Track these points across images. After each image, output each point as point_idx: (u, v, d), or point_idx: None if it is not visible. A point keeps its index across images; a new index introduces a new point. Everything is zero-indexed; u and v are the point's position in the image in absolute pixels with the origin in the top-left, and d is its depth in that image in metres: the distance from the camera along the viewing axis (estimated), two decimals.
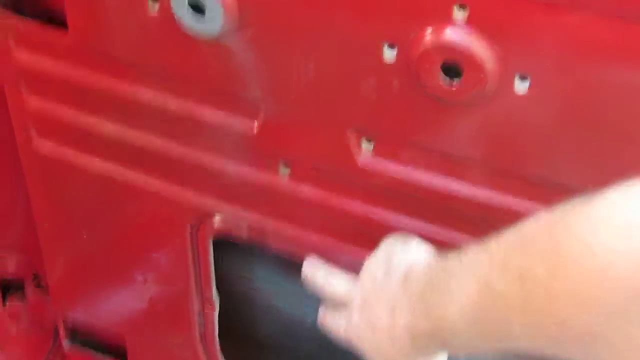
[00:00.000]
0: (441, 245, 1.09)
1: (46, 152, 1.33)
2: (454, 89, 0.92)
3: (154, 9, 1.05)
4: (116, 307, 1.55)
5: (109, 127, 1.23)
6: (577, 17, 0.84)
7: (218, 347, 1.50)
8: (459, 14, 0.88)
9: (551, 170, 0.97)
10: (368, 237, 1.15)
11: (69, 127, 1.28)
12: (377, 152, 1.05)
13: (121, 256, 1.45)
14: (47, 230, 1.47)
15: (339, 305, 1.00)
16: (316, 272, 1.06)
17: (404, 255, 0.92)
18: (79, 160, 1.31)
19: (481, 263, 0.73)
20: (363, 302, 0.92)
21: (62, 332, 1.65)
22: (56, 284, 1.57)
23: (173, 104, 1.14)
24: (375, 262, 0.95)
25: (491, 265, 0.71)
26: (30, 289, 1.67)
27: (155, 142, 1.21)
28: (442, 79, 0.92)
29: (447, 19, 0.89)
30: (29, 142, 1.33)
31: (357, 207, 1.12)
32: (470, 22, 0.88)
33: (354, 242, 1.17)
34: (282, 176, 1.14)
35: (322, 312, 1.06)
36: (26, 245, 1.58)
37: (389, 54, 0.94)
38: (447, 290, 0.76)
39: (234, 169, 1.18)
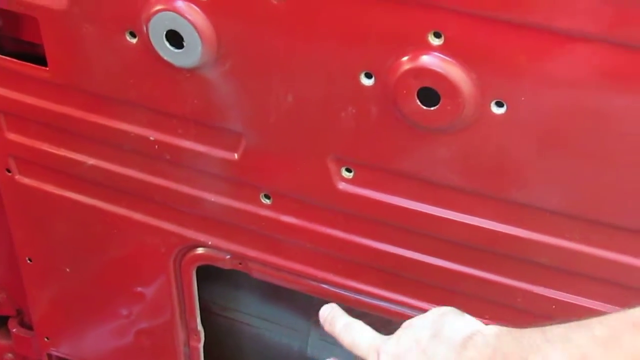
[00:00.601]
0: (426, 271, 1.10)
1: (27, 187, 1.33)
2: (431, 115, 0.93)
3: (132, 42, 1.05)
4: (101, 341, 1.54)
5: (90, 162, 1.24)
6: (553, 43, 0.85)
7: None
8: (434, 41, 0.89)
9: (529, 193, 0.97)
10: (350, 265, 1.16)
11: (49, 163, 1.28)
12: (357, 180, 1.06)
13: (105, 290, 1.45)
14: (30, 266, 1.46)
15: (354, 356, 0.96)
16: (335, 318, 1.00)
17: (461, 323, 0.88)
18: (60, 195, 1.32)
19: (577, 339, 0.72)
20: (394, 359, 0.89)
21: None
22: (40, 320, 1.56)
23: (153, 137, 1.15)
24: (422, 324, 0.91)
25: (594, 342, 0.71)
26: (14, 325, 1.66)
27: (136, 175, 1.21)
28: (419, 105, 0.93)
29: (423, 46, 0.90)
30: (9, 177, 1.33)
31: (338, 235, 1.13)
32: (446, 48, 0.89)
33: (336, 270, 1.17)
34: (264, 205, 1.15)
35: None
36: (9, 281, 1.57)
37: (367, 82, 0.95)
38: None
39: (216, 199, 1.18)
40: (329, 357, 1.04)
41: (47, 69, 1.15)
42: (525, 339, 0.76)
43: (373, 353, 0.91)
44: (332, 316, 1.00)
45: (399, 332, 0.91)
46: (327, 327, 1.00)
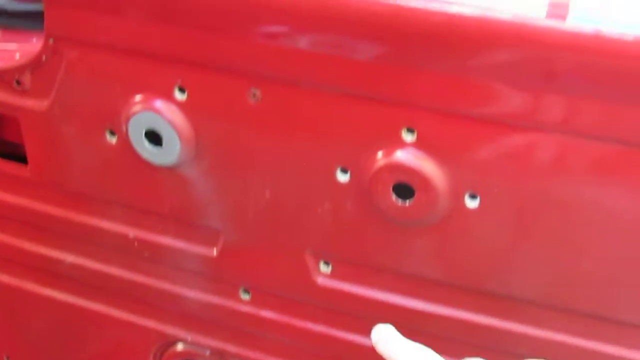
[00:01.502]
0: None
1: (4, 285, 1.33)
2: (407, 209, 0.94)
3: (112, 141, 1.07)
4: None
5: (69, 259, 1.24)
6: (523, 137, 0.87)
7: None
8: (408, 137, 0.92)
9: (506, 284, 0.98)
10: (331, 358, 1.15)
11: (27, 261, 1.28)
12: (335, 274, 1.07)
13: None
14: None
15: None
16: (393, 339, 0.88)
17: None
18: (38, 293, 1.31)
19: None
20: None
21: None
22: None
23: (132, 233, 1.15)
24: None
25: None
26: None
27: (115, 272, 1.21)
28: (394, 200, 0.94)
29: (397, 142, 0.92)
30: None
31: (318, 329, 1.12)
32: (419, 144, 0.91)
33: None
34: (243, 301, 1.15)
35: None
36: None
37: (343, 178, 0.97)
38: None
39: (195, 295, 1.18)
40: None
41: (28, 167, 1.16)
42: None
43: None
44: (389, 336, 0.88)
45: None
46: (380, 348, 0.88)
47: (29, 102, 1.10)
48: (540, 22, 0.81)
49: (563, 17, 0.81)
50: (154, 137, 1.02)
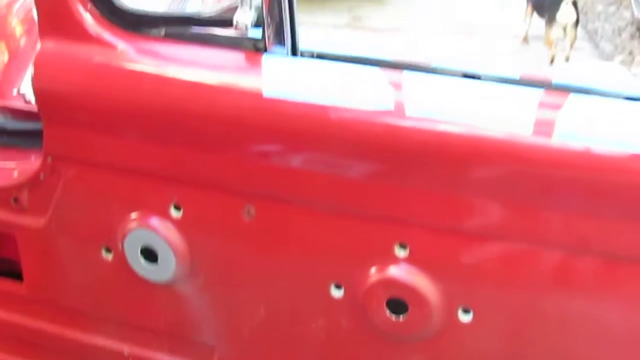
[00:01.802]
0: None
1: None
2: (400, 324, 0.94)
3: (108, 258, 1.08)
4: None
5: None
6: (514, 251, 0.88)
7: None
8: (400, 252, 0.92)
9: None
10: None
11: None
12: None
13: None
14: None
15: None
16: None
17: None
18: None
19: None
20: None
21: None
22: None
23: (127, 350, 1.15)
24: None
25: None
26: None
27: None
28: (388, 315, 0.94)
29: (390, 258, 0.93)
30: None
31: None
32: (411, 259, 0.92)
33: None
34: None
35: None
36: None
37: (337, 293, 0.97)
38: None
39: None
40: None
41: (23, 284, 1.16)
42: None
43: None
44: None
45: None
46: None
47: (26, 220, 1.11)
48: (527, 139, 0.83)
49: (549, 135, 0.83)
50: (149, 254, 1.03)
